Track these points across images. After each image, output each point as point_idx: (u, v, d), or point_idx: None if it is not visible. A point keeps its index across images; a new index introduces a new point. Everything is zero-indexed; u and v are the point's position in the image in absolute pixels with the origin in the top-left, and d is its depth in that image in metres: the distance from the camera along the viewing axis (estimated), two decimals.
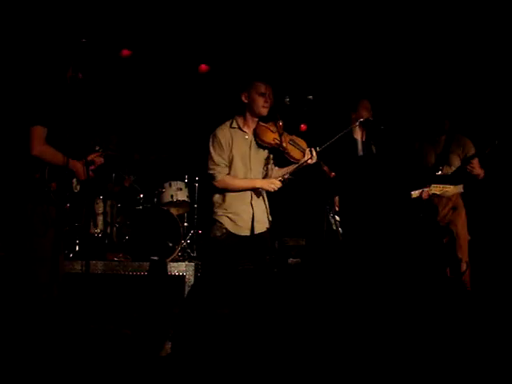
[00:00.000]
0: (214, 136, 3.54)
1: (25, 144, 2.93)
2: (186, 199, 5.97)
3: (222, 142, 3.50)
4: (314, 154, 3.60)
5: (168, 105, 6.86)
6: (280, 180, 3.53)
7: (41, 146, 2.93)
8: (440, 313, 3.80)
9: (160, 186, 5.95)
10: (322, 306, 4.02)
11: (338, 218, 4.12)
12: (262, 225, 3.60)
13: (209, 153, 3.54)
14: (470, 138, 4.55)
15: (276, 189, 3.53)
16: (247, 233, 3.53)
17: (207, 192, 3.67)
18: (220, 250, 3.49)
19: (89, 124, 3.65)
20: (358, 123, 4.23)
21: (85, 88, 3.24)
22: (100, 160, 3.38)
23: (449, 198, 4.44)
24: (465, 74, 5.70)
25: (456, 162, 4.45)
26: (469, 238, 4.49)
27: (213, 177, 3.52)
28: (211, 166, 3.53)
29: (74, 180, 3.20)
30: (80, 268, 4.01)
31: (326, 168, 3.86)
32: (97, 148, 3.49)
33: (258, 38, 5.96)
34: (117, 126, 6.22)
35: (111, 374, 3.10)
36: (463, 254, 4.39)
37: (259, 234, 3.57)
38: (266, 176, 3.66)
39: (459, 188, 4.46)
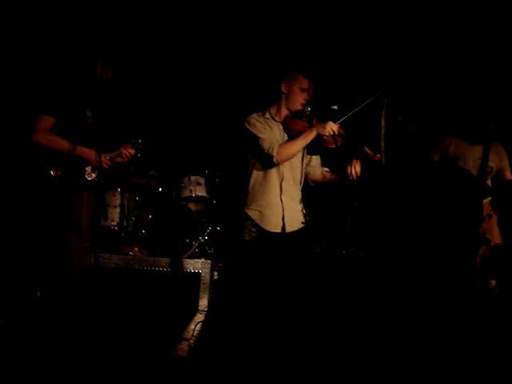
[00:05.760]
0: (249, 121, 3.26)
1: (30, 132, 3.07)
2: (205, 195, 5.82)
3: (259, 123, 3.24)
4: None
5: (190, 100, 6.73)
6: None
7: (41, 134, 3.03)
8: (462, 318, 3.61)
9: (179, 181, 5.82)
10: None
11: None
12: (294, 222, 3.29)
13: (252, 136, 3.21)
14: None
15: (331, 132, 3.11)
16: (278, 230, 3.22)
17: (236, 186, 3.41)
18: (250, 254, 3.21)
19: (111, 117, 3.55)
20: None
21: (113, 85, 3.30)
22: (129, 152, 3.32)
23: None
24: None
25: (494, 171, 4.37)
26: None
27: (272, 152, 3.15)
28: (264, 144, 3.17)
29: (88, 168, 3.12)
30: (90, 260, 3.88)
31: (368, 150, 3.30)
32: (132, 141, 3.38)
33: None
34: (137, 120, 6.08)
35: (120, 373, 2.96)
36: None
37: (292, 232, 3.27)
38: (304, 171, 3.41)
39: None
